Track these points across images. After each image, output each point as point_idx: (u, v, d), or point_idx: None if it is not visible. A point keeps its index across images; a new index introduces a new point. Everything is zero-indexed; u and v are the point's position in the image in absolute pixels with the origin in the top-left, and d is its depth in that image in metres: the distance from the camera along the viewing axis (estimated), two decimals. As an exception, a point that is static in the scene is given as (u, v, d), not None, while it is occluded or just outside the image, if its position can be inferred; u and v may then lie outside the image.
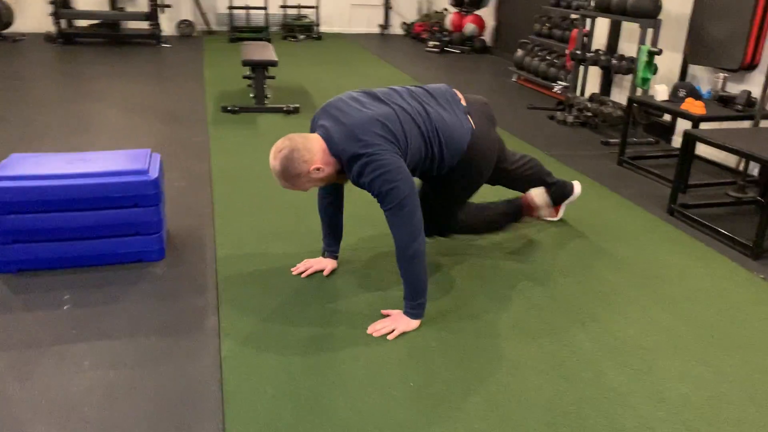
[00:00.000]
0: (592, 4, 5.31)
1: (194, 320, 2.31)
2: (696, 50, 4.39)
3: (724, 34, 4.12)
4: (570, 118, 5.39)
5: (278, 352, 2.13)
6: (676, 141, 4.85)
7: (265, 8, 9.81)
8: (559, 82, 6.05)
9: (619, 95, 5.67)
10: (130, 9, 9.49)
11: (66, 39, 8.64)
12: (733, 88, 4.20)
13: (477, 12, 9.48)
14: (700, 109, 3.73)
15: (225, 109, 5.29)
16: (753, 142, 3.14)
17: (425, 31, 10.49)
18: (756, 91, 3.99)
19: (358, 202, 3.33)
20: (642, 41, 4.62)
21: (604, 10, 5.06)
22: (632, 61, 4.97)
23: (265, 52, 5.63)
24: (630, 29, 5.45)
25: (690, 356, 2.21)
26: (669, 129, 4.90)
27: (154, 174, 2.64)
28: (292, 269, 2.68)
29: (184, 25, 9.88)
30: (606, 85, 5.78)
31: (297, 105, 5.44)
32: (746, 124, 4.02)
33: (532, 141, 4.85)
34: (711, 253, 3.02)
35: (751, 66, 4.03)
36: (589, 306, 2.50)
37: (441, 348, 2.19)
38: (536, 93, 6.77)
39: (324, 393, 1.94)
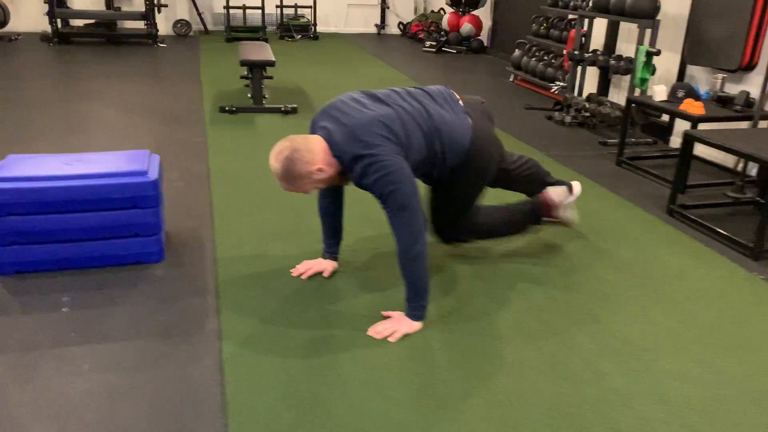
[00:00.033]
0: (590, 4, 5.31)
1: (194, 322, 2.30)
2: (694, 51, 4.40)
3: (722, 34, 4.13)
4: (568, 119, 5.39)
5: (279, 354, 2.12)
6: (674, 141, 4.86)
7: (261, 8, 9.79)
8: (557, 83, 6.05)
9: (617, 95, 5.67)
10: (126, 8, 9.46)
11: (62, 39, 8.61)
12: (732, 89, 4.20)
13: (474, 12, 9.49)
14: (699, 110, 3.73)
15: (223, 110, 5.28)
16: (752, 142, 3.14)
17: (422, 31, 10.49)
18: (754, 92, 4.00)
19: (357, 202, 3.32)
20: (640, 42, 4.62)
21: (602, 10, 5.06)
22: (630, 61, 4.97)
23: (262, 52, 5.62)
24: (628, 29, 5.45)
25: (690, 357, 2.20)
26: (667, 129, 4.91)
27: (153, 175, 2.63)
28: (291, 270, 2.67)
29: (181, 24, 9.86)
30: (604, 86, 5.78)
31: (295, 105, 5.43)
32: (745, 124, 4.02)
33: (530, 141, 4.85)
34: (710, 254, 3.02)
35: (750, 66, 4.03)
36: (589, 306, 2.50)
37: (442, 349, 2.18)
38: (534, 93, 6.78)
39: (325, 395, 1.94)
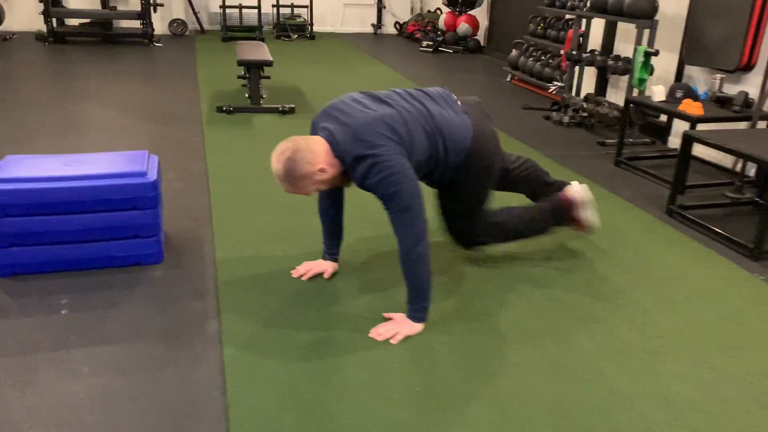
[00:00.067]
0: (588, 4, 5.31)
1: (195, 324, 2.28)
2: (692, 51, 4.40)
3: (720, 34, 4.13)
4: (566, 119, 5.39)
5: (280, 356, 2.11)
6: (673, 141, 4.86)
7: (258, 7, 9.77)
8: (555, 83, 6.05)
9: (615, 95, 5.67)
10: (121, 8, 9.43)
11: (57, 38, 8.57)
12: (730, 89, 4.20)
13: (470, 12, 9.48)
14: (698, 110, 3.73)
15: (220, 109, 5.26)
16: (752, 143, 3.14)
17: (418, 31, 10.48)
18: (753, 92, 4.00)
19: (357, 202, 3.30)
20: (638, 42, 4.62)
21: (600, 10, 5.06)
22: (628, 61, 4.97)
23: (260, 51, 5.60)
24: (626, 30, 5.46)
25: (692, 358, 2.20)
26: (665, 129, 4.91)
27: (152, 176, 2.61)
28: (292, 272, 2.66)
29: (177, 24, 9.83)
30: (601, 86, 5.78)
31: (292, 105, 5.41)
32: (743, 125, 4.03)
33: (528, 141, 4.85)
34: (710, 255, 3.02)
35: (748, 67, 4.04)
36: (590, 307, 2.50)
37: (444, 351, 2.17)
38: (531, 93, 6.77)
39: (327, 397, 1.92)
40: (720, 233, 3.16)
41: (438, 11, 10.61)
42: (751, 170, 3.99)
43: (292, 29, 10.35)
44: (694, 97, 4.04)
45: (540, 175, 3.03)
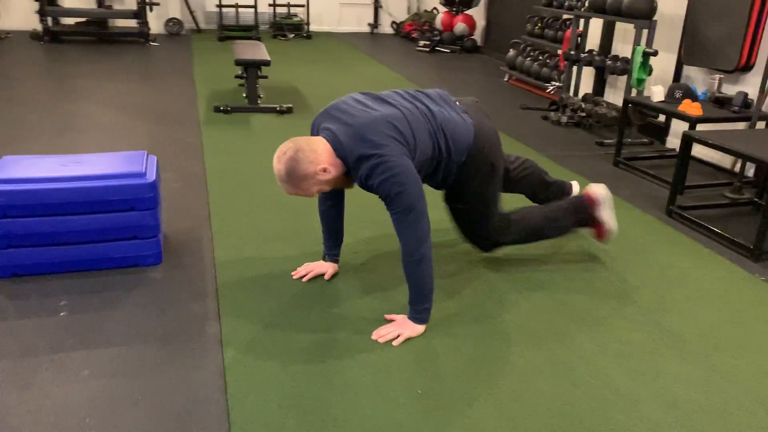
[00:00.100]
0: (586, 4, 5.30)
1: (195, 327, 2.26)
2: (691, 51, 4.40)
3: (719, 35, 4.13)
4: (564, 119, 5.38)
5: (282, 358, 2.09)
6: (671, 142, 4.86)
7: (254, 7, 9.74)
8: (553, 83, 6.05)
9: (613, 96, 5.67)
10: (117, 7, 9.38)
11: (52, 37, 8.52)
12: (729, 89, 4.20)
13: (467, 11, 9.48)
14: (697, 111, 3.73)
15: (217, 109, 5.23)
16: (751, 143, 3.14)
17: (415, 31, 10.47)
18: (752, 92, 4.00)
19: (358, 202, 3.29)
20: (637, 42, 4.62)
21: (598, 10, 5.06)
22: (627, 61, 4.97)
23: (257, 51, 5.58)
24: (624, 30, 5.45)
25: (695, 359, 2.20)
26: (663, 130, 4.91)
27: (151, 177, 2.59)
28: (292, 273, 2.64)
29: (173, 23, 9.79)
30: (599, 86, 5.78)
31: (290, 105, 5.39)
32: (741, 125, 4.03)
33: (526, 141, 4.84)
34: (711, 255, 3.02)
35: (747, 67, 4.04)
36: (591, 308, 2.49)
37: (447, 353, 2.16)
38: (528, 93, 6.77)
39: (329, 399, 1.91)
40: (720, 234, 3.16)
41: (435, 11, 10.60)
42: (750, 170, 3.99)
43: (289, 29, 10.32)
44: (693, 97, 4.04)
45: (540, 175, 3.02)
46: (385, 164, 2.04)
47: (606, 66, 5.15)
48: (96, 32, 8.83)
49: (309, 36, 10.30)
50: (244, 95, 5.48)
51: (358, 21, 11.45)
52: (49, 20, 8.53)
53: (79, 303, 2.37)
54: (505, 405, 1.92)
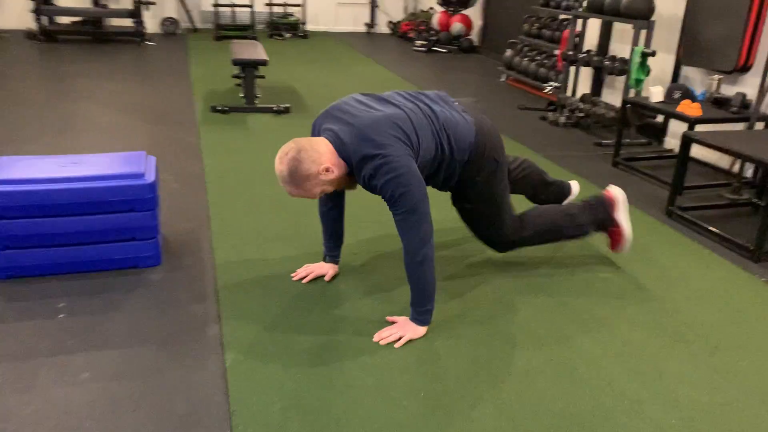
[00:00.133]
0: (585, 4, 5.30)
1: (195, 328, 2.25)
2: (689, 51, 4.40)
3: (718, 35, 4.13)
4: (562, 119, 5.38)
5: (284, 361, 2.08)
6: (669, 142, 4.86)
7: (250, 6, 9.71)
8: (551, 83, 6.05)
9: (611, 96, 5.67)
10: (113, 6, 9.34)
11: (48, 36, 8.48)
12: (727, 90, 4.21)
13: (464, 11, 9.47)
14: (696, 111, 3.73)
15: (215, 109, 5.21)
16: (751, 144, 3.14)
17: (412, 30, 10.46)
18: (750, 93, 4.01)
19: (358, 203, 3.28)
20: (635, 42, 4.62)
21: (596, 10, 5.05)
22: (625, 62, 4.97)
23: (255, 51, 5.56)
24: (621, 30, 5.46)
25: (697, 360, 2.19)
26: (661, 130, 4.91)
27: (150, 177, 2.57)
28: (292, 275, 2.63)
29: (169, 22, 9.76)
30: (597, 86, 5.78)
31: (288, 105, 5.38)
32: (740, 126, 4.03)
33: (524, 141, 4.83)
34: (711, 256, 3.02)
35: (745, 68, 4.04)
36: (593, 310, 2.48)
37: (449, 355, 2.15)
38: (526, 93, 6.77)
39: (332, 402, 1.90)
40: (720, 234, 3.16)
41: (431, 10, 10.59)
42: (749, 171, 3.99)
43: (285, 28, 10.30)
44: (692, 98, 4.04)
45: (540, 175, 3.02)
46: (389, 165, 2.03)
47: (604, 66, 5.16)
48: (91, 32, 8.79)
49: (305, 36, 10.28)
50: (242, 95, 5.46)
51: (354, 21, 11.43)
52: (45, 19, 8.49)
53: (78, 305, 2.35)
54: (507, 406, 1.91)
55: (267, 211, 3.27)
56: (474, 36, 9.65)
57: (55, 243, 2.48)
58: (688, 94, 4.05)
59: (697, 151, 4.40)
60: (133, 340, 2.16)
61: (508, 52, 7.20)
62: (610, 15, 4.88)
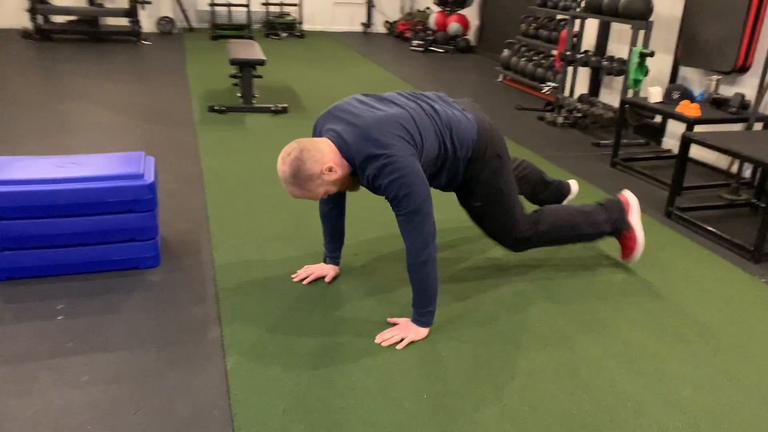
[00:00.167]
0: (582, 4, 5.30)
1: (195, 331, 2.23)
2: (688, 52, 4.41)
3: (716, 36, 4.13)
4: (560, 119, 5.38)
5: (285, 363, 2.07)
6: (667, 143, 4.87)
7: (247, 5, 9.68)
8: (549, 83, 6.04)
9: (608, 96, 5.68)
10: (109, 5, 9.29)
11: (43, 35, 8.43)
12: (725, 90, 4.21)
13: (461, 11, 9.47)
14: (695, 112, 3.73)
15: (212, 109, 5.19)
16: (751, 144, 3.14)
17: (409, 30, 10.45)
18: (748, 94, 4.01)
19: (358, 203, 3.26)
20: (633, 43, 4.62)
21: (594, 11, 5.05)
22: (623, 62, 4.97)
23: (252, 50, 5.54)
24: (619, 30, 5.46)
25: (699, 361, 2.19)
26: (659, 131, 4.92)
27: (149, 178, 2.56)
28: (293, 276, 2.61)
29: (165, 22, 9.72)
30: (594, 87, 5.78)
31: (285, 105, 5.36)
32: (738, 126, 4.03)
33: (522, 142, 4.83)
34: (711, 257, 3.02)
35: (744, 68, 4.04)
36: (595, 311, 2.48)
37: (451, 357, 2.14)
38: (523, 93, 6.77)
39: (335, 405, 1.89)
40: (720, 235, 3.16)
41: (428, 10, 10.58)
42: (747, 171, 4.00)
43: (282, 28, 10.28)
44: (691, 98, 4.04)
45: (539, 174, 3.02)
46: (393, 165, 2.01)
47: (602, 67, 5.16)
48: (87, 31, 8.75)
49: (302, 35, 10.26)
50: (239, 95, 5.44)
51: (351, 20, 11.41)
52: (40, 18, 8.44)
53: (77, 306, 2.33)
54: (510, 408, 1.91)
55: (266, 212, 3.26)
56: (470, 36, 9.65)
57: (54, 244, 2.46)
58: (686, 95, 4.05)
59: (694, 151, 4.41)
60: (133, 342, 2.14)
61: (506, 52, 7.20)
62: (608, 15, 4.88)
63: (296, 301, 2.45)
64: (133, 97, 5.62)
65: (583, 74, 5.92)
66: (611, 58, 5.10)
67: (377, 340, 2.20)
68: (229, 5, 9.83)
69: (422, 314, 2.22)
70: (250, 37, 9.46)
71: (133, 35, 8.68)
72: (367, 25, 11.39)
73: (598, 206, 2.74)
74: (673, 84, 4.29)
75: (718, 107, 3.97)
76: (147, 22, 9.58)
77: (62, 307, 2.32)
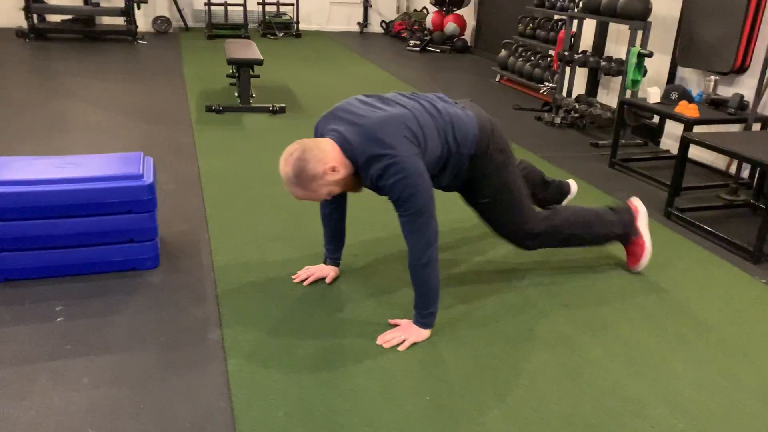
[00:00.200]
0: (581, 5, 5.30)
1: (196, 333, 2.22)
2: (686, 52, 4.41)
3: (714, 36, 4.14)
4: (558, 119, 5.38)
5: (287, 365, 2.06)
6: (665, 143, 4.87)
7: (243, 5, 9.65)
8: (546, 83, 6.04)
9: (606, 97, 5.68)
10: (105, 4, 9.26)
11: (38, 35, 8.39)
12: (723, 91, 4.22)
13: (458, 11, 9.46)
14: (694, 113, 3.74)
15: (209, 109, 5.17)
16: (750, 145, 3.14)
17: (405, 30, 10.44)
18: (747, 94, 4.01)
19: (358, 204, 3.25)
20: (632, 43, 4.62)
21: (593, 11, 5.05)
22: (621, 62, 4.98)
23: (250, 50, 5.52)
24: (617, 31, 5.46)
25: (701, 362, 2.19)
26: (657, 131, 4.92)
27: (149, 179, 2.54)
28: (293, 277, 2.60)
29: (161, 21, 9.69)
30: (592, 87, 5.79)
31: (283, 105, 5.34)
32: (736, 127, 4.04)
33: (520, 142, 4.83)
34: (711, 257, 3.02)
35: (742, 69, 4.05)
36: (596, 312, 2.47)
37: (453, 359, 2.13)
38: (520, 93, 6.77)
39: (337, 407, 1.88)
40: (719, 236, 3.16)
41: (425, 10, 10.58)
42: (745, 172, 4.00)
43: (278, 27, 10.26)
44: (689, 99, 4.05)
45: (539, 174, 3.02)
46: (397, 165, 2.00)
47: (600, 67, 5.16)
48: (83, 30, 8.71)
49: (298, 35, 10.24)
50: (236, 94, 5.42)
51: (347, 20, 11.40)
52: (35, 17, 8.40)
53: (76, 308, 2.31)
54: (514, 410, 1.90)
55: (265, 212, 3.24)
56: (467, 36, 9.64)
57: (52, 245, 2.44)
58: (685, 96, 4.05)
59: (692, 151, 4.41)
60: (133, 344, 2.13)
61: (503, 53, 7.19)
62: (606, 16, 4.88)
63: (297, 302, 2.43)
64: (129, 96, 5.59)
65: (581, 74, 5.93)
66: (609, 59, 5.11)
67: (379, 341, 2.19)
68: (225, 4, 9.79)
69: (424, 316, 2.21)
70: (247, 37, 9.44)
71: (128, 35, 8.65)
72: (364, 24, 11.38)
73: (608, 209, 2.75)
74: (672, 84, 4.30)
75: (716, 108, 3.98)
76: (143, 21, 9.56)
77: (61, 309, 2.30)
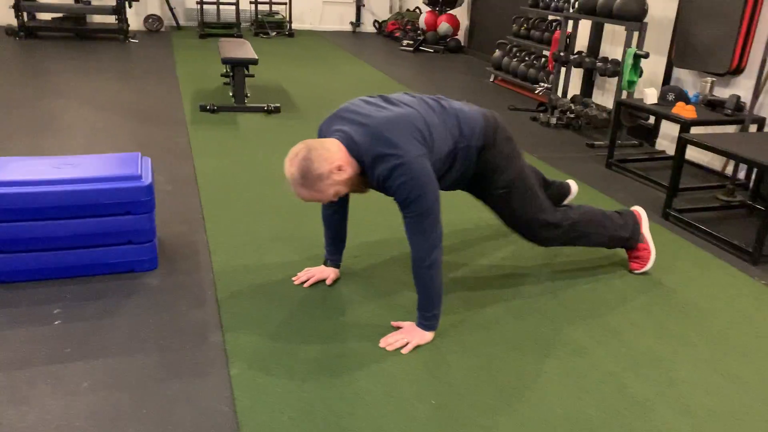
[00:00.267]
0: (576, 5, 5.30)
1: (196, 335, 2.19)
2: (682, 53, 4.42)
3: (711, 37, 4.15)
4: (553, 120, 5.38)
5: (290, 369, 2.03)
6: (660, 144, 4.88)
7: (236, 4, 9.60)
8: (542, 84, 6.05)
9: (601, 97, 5.69)
10: (96, 2, 9.18)
11: (28, 33, 8.31)
12: (719, 92, 4.23)
13: (451, 11, 9.46)
14: (691, 114, 3.74)
15: (203, 108, 5.13)
16: (748, 146, 3.15)
17: (398, 30, 10.43)
18: (743, 95, 4.03)
19: (358, 205, 3.23)
20: (628, 44, 4.62)
21: (588, 12, 5.05)
22: (617, 63, 4.98)
23: (244, 49, 5.49)
24: (612, 31, 5.47)
25: (704, 364, 2.18)
26: (652, 132, 4.93)
27: (147, 179, 2.51)
28: (293, 278, 2.58)
29: (152, 20, 9.63)
30: (587, 88, 5.79)
31: (278, 104, 5.30)
32: (733, 128, 4.05)
33: (516, 142, 4.81)
34: (711, 259, 3.02)
35: (738, 70, 4.06)
36: (598, 314, 2.47)
37: (457, 362, 2.12)
38: (515, 94, 6.77)
39: (341, 411, 1.85)
40: (718, 237, 3.17)
41: (418, 10, 10.57)
42: (741, 173, 4.02)
43: (271, 26, 10.21)
44: (686, 100, 4.05)
45: (539, 175, 3.01)
46: (404, 166, 1.98)
47: (596, 68, 5.16)
48: (73, 28, 8.63)
49: (291, 34, 10.20)
50: (231, 94, 5.38)
51: (340, 19, 11.37)
52: (25, 15, 8.31)
53: (74, 311, 2.28)
54: (519, 414, 1.89)
55: (263, 212, 3.22)
56: (461, 36, 9.64)
57: (49, 247, 2.41)
58: (681, 96, 4.06)
59: (688, 152, 4.42)
60: (132, 348, 2.10)
61: (497, 53, 7.19)
62: (602, 16, 4.88)
63: (298, 304, 2.41)
64: (122, 96, 5.54)
65: (576, 75, 5.93)
66: (605, 60, 5.11)
67: (382, 344, 2.17)
68: (217, 3, 9.74)
69: (427, 318, 2.19)
70: (240, 36, 9.39)
71: (120, 33, 8.58)
72: (356, 24, 11.36)
73: (617, 212, 2.76)
74: (668, 85, 4.30)
75: (713, 109, 3.99)
76: (134, 20, 9.48)
77: (59, 312, 2.27)
